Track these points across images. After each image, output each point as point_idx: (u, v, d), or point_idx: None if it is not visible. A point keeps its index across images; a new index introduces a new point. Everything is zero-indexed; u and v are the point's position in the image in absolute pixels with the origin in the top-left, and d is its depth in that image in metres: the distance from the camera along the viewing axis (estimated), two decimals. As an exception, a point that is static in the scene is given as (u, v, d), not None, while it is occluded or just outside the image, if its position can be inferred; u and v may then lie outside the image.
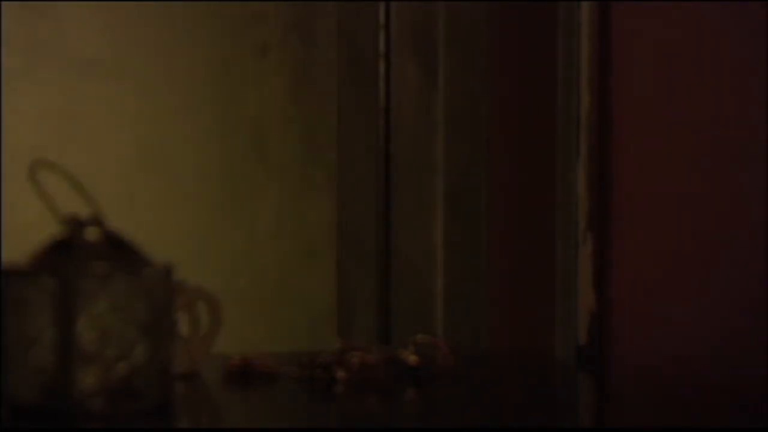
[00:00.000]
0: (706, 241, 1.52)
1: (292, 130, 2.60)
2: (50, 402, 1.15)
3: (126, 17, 2.49)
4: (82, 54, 2.46)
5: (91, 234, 1.19)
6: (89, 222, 1.19)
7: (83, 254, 1.17)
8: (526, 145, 2.12)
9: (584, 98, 1.72)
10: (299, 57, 2.60)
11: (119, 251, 1.19)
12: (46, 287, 1.15)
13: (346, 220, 2.61)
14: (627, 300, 1.68)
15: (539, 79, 2.00)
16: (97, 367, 1.15)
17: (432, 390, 1.42)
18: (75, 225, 1.19)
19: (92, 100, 2.48)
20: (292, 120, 2.60)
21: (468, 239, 2.26)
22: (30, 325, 1.15)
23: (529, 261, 2.09)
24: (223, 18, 2.55)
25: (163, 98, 2.52)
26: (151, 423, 1.16)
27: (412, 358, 1.48)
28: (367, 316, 2.50)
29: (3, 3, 2.39)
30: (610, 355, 1.70)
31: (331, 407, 1.34)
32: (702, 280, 1.53)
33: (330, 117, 2.61)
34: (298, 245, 2.61)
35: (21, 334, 1.16)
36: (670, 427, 1.20)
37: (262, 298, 2.58)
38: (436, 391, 1.42)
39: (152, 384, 1.18)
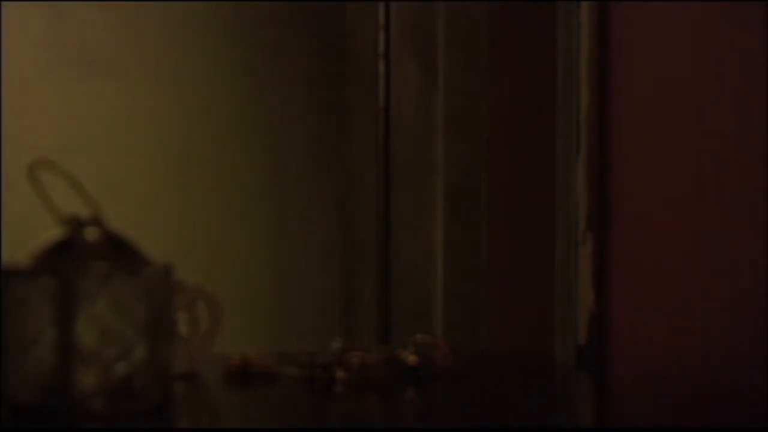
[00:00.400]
0: (706, 240, 1.52)
1: (298, 130, 2.60)
2: (50, 402, 1.15)
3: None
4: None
5: (91, 234, 1.19)
6: (89, 222, 1.19)
7: (83, 254, 1.17)
8: (526, 145, 2.12)
9: (584, 98, 1.72)
10: (303, 58, 2.60)
11: (119, 251, 1.19)
12: (46, 287, 1.15)
13: (346, 220, 2.61)
14: (627, 300, 1.68)
15: (539, 79, 2.00)
16: (96, 367, 1.15)
17: (432, 390, 1.42)
18: (75, 225, 1.19)
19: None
20: (299, 121, 2.60)
21: (468, 239, 2.26)
22: (30, 325, 1.15)
23: (529, 261, 2.09)
24: (235, 20, 2.56)
25: (176, 98, 2.53)
26: (151, 423, 1.16)
27: (412, 358, 1.48)
28: (368, 316, 2.50)
29: (3, 3, 2.39)
30: (610, 355, 1.70)
31: (331, 407, 1.34)
32: (702, 279, 1.53)
33: (331, 117, 2.61)
34: (301, 246, 2.61)
35: (21, 334, 1.16)
36: (670, 427, 1.20)
37: (265, 298, 2.58)
38: (436, 391, 1.42)
39: (152, 384, 1.18)
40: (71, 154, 2.43)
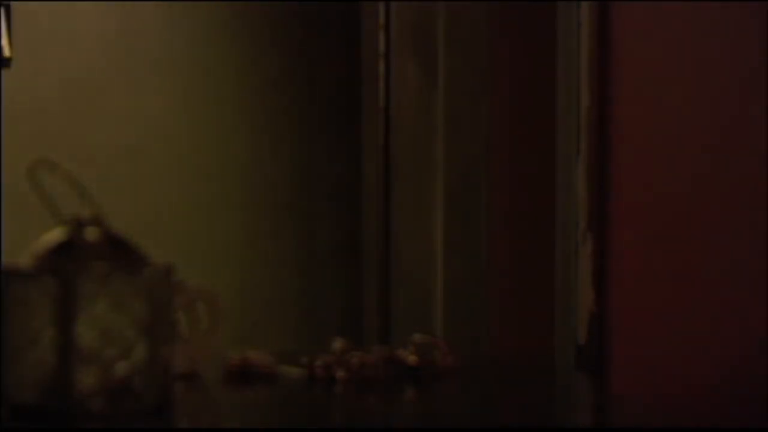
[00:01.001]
0: (706, 240, 1.52)
1: (304, 131, 2.60)
2: (50, 402, 1.15)
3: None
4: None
5: (91, 234, 1.19)
6: (89, 222, 1.19)
7: (83, 254, 1.17)
8: (526, 145, 2.12)
9: (584, 98, 1.72)
10: (307, 59, 2.60)
11: (119, 251, 1.19)
12: (46, 287, 1.15)
13: (347, 221, 2.61)
14: (627, 300, 1.68)
15: (539, 79, 2.00)
16: (97, 367, 1.15)
17: (432, 390, 1.42)
18: (75, 225, 1.19)
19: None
20: (304, 121, 2.60)
21: (468, 239, 2.26)
22: (30, 325, 1.15)
23: (529, 261, 2.09)
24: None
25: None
26: (151, 423, 1.16)
27: (412, 358, 1.48)
28: (368, 316, 2.50)
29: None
30: (610, 355, 1.70)
31: (331, 407, 1.34)
32: (702, 279, 1.53)
33: (333, 117, 2.62)
34: (301, 246, 2.61)
35: (21, 334, 1.16)
36: (670, 428, 1.20)
37: (265, 299, 2.58)
38: (436, 391, 1.42)
39: (152, 384, 1.18)
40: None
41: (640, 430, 1.20)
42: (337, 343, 1.48)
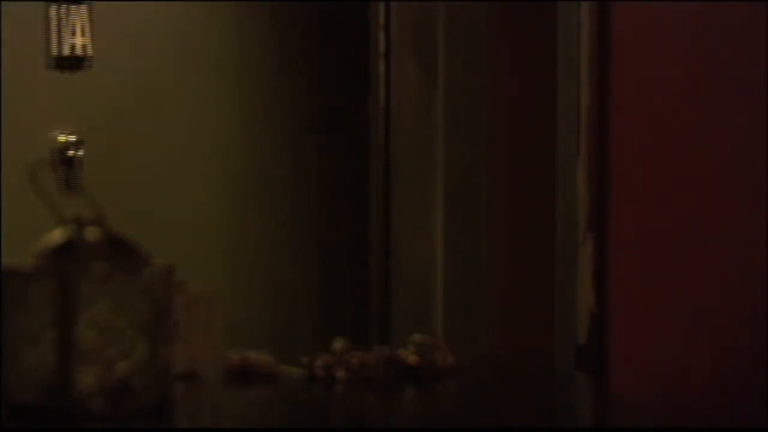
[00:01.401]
0: (706, 240, 1.52)
1: (308, 130, 2.60)
2: (50, 402, 1.15)
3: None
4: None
5: (91, 234, 1.19)
6: (89, 222, 1.19)
7: (83, 254, 1.17)
8: (526, 145, 2.12)
9: (584, 98, 1.72)
10: (309, 59, 2.60)
11: (119, 251, 1.19)
12: (46, 287, 1.15)
13: (351, 222, 2.61)
14: (627, 300, 1.68)
15: (539, 79, 2.00)
16: (97, 367, 1.15)
17: (432, 390, 1.42)
18: (75, 225, 1.19)
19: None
20: (308, 120, 2.60)
21: (468, 239, 2.26)
22: (30, 325, 1.15)
23: (529, 261, 2.09)
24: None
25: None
26: (151, 423, 1.16)
27: (412, 358, 1.48)
28: (368, 316, 2.50)
29: (3, 3, 2.39)
30: (609, 355, 1.70)
31: (331, 407, 1.34)
32: (701, 279, 1.53)
33: (333, 117, 2.62)
34: (303, 246, 2.61)
35: (21, 334, 1.16)
36: (670, 427, 1.20)
37: (266, 298, 2.58)
38: (436, 391, 1.42)
39: (152, 384, 1.18)
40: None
41: (640, 430, 1.20)
42: (337, 343, 1.48)
